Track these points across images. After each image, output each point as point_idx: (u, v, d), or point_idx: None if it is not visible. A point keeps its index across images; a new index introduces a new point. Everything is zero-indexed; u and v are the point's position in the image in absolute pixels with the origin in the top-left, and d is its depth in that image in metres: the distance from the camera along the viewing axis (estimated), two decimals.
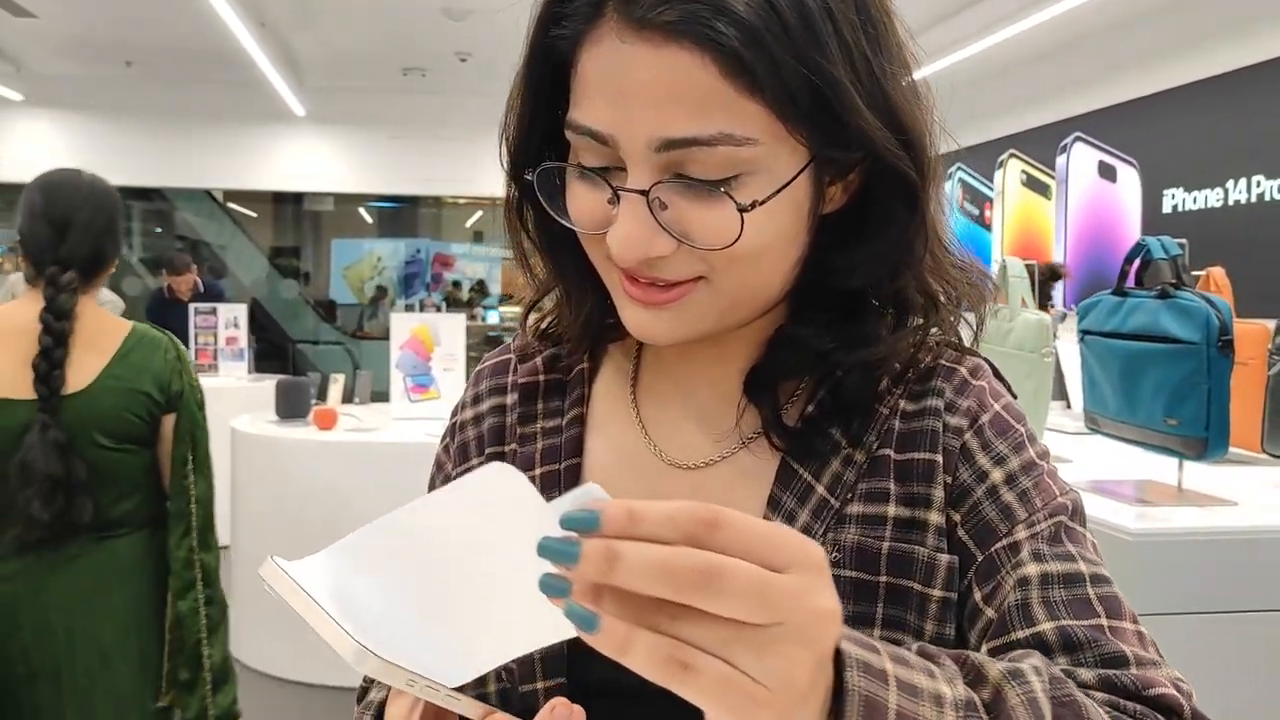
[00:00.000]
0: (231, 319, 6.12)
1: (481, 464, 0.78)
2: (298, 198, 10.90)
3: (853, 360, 0.68)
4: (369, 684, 0.81)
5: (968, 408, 0.70)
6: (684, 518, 0.41)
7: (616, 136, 0.59)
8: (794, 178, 0.60)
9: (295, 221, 11.92)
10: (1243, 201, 5.07)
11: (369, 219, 12.28)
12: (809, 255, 0.66)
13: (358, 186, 9.19)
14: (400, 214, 12.09)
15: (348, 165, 8.84)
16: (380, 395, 4.84)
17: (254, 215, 11.55)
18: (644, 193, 0.59)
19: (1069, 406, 3.42)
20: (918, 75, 0.68)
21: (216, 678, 2.03)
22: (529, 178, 0.66)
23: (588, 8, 0.60)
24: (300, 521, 3.92)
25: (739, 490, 0.71)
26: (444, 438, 0.84)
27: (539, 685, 0.70)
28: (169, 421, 2.01)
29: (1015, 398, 0.74)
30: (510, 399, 0.80)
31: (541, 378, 0.80)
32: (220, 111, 8.29)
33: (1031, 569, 0.63)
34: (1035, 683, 0.52)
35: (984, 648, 0.63)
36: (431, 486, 0.83)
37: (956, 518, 0.67)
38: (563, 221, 0.65)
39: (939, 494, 0.68)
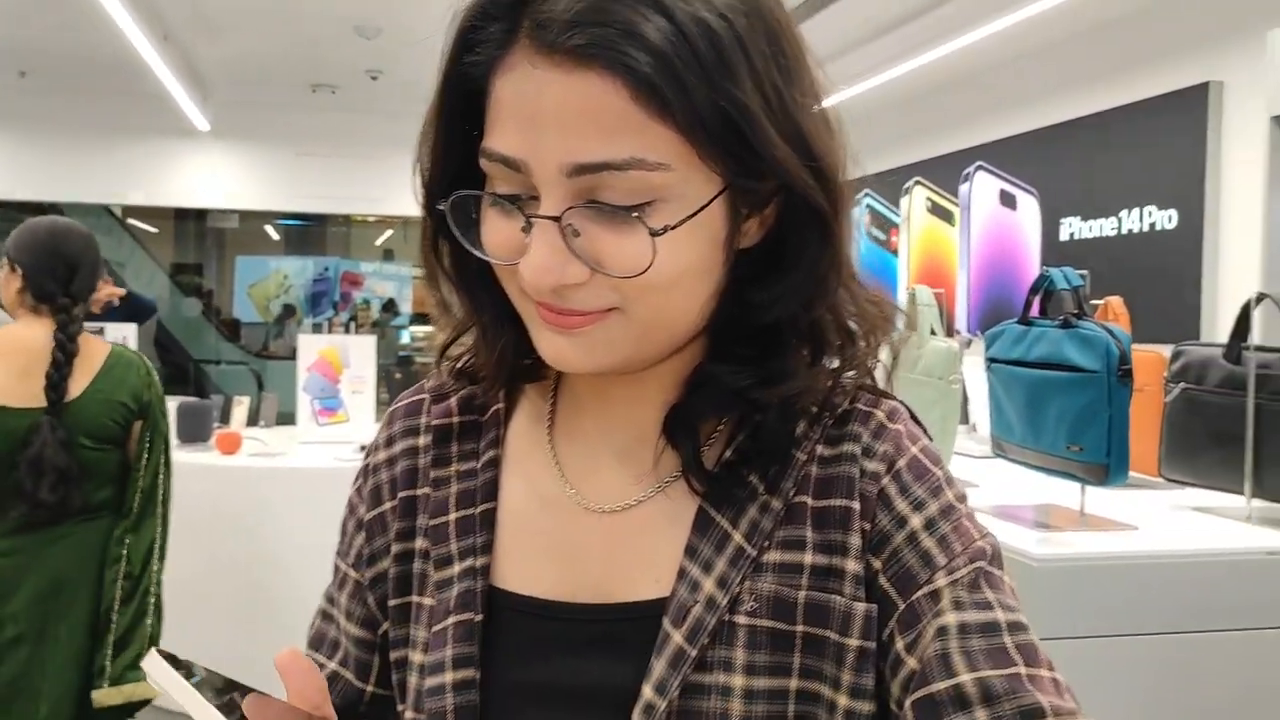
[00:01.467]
0: (120, 338, 5.92)
1: (393, 507, 0.77)
2: (201, 214, 10.63)
3: (771, 397, 0.68)
4: None
5: (884, 452, 0.70)
6: None
7: (529, 162, 0.59)
8: (707, 204, 0.60)
9: (198, 238, 11.63)
10: (1135, 230, 5.26)
11: (275, 236, 12.03)
12: (726, 290, 0.66)
13: (264, 204, 8.99)
14: (308, 232, 11.89)
15: (254, 182, 8.65)
16: (287, 418, 4.73)
17: (154, 231, 11.24)
18: (556, 219, 0.59)
19: (974, 430, 3.50)
20: (829, 103, 0.69)
21: (119, 641, 2.40)
22: (442, 208, 0.64)
23: (501, 34, 0.60)
24: (204, 549, 3.80)
25: (656, 535, 0.70)
26: (356, 479, 0.81)
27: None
28: (138, 426, 2.48)
29: (931, 440, 0.75)
30: (423, 440, 0.78)
31: (456, 419, 0.78)
32: (120, 125, 8.04)
33: (950, 618, 0.63)
34: None
35: (907, 700, 0.63)
36: (343, 532, 0.81)
37: (877, 565, 0.67)
38: (476, 253, 0.64)
39: (856, 541, 0.67)
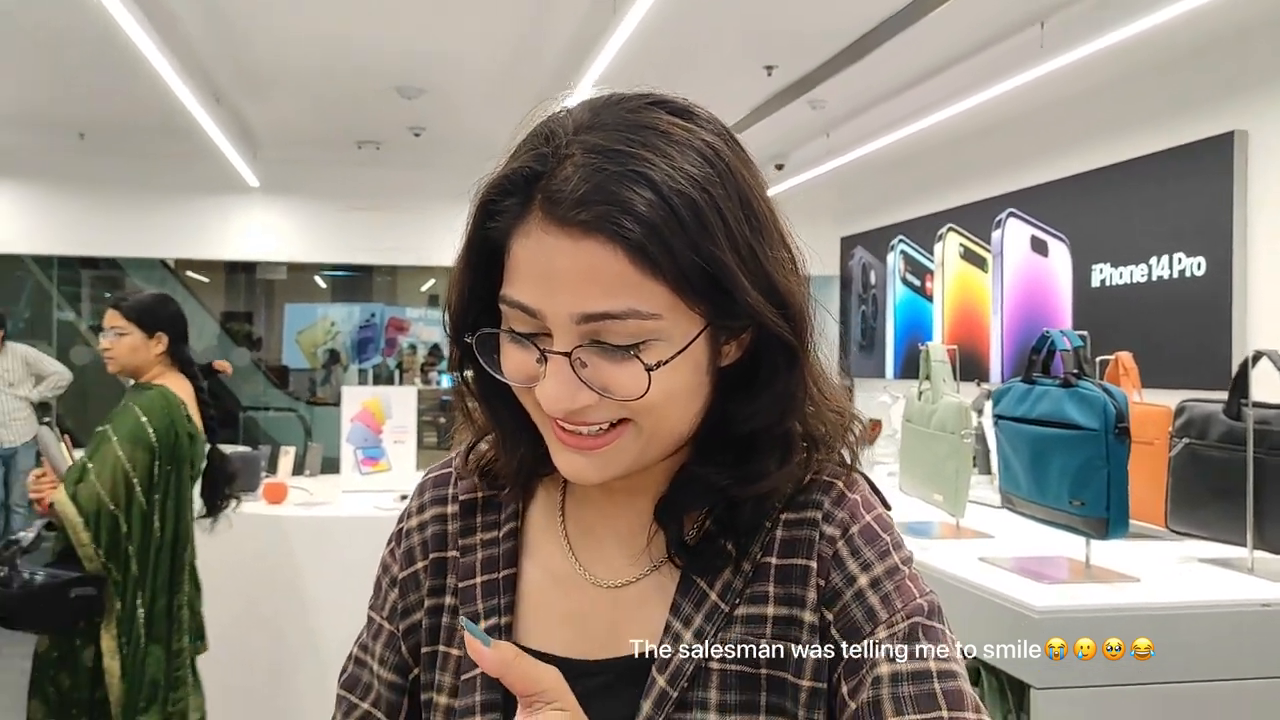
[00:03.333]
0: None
1: (424, 566, 0.88)
2: (250, 266, 10.92)
3: (746, 494, 0.79)
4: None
5: (841, 519, 0.81)
6: None
7: (543, 310, 0.71)
8: (691, 342, 0.72)
9: (248, 288, 11.91)
10: (1165, 277, 5.29)
11: (323, 285, 12.30)
12: (712, 402, 0.78)
13: (311, 256, 9.23)
14: (355, 281, 12.13)
15: (301, 235, 8.90)
16: (331, 463, 4.88)
17: (206, 281, 11.55)
18: (567, 354, 0.71)
19: (995, 481, 3.55)
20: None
21: None
22: (469, 340, 0.77)
23: (518, 206, 0.72)
24: (251, 595, 3.94)
25: (649, 605, 0.82)
26: (389, 543, 0.93)
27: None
28: None
29: (889, 509, 0.86)
30: (451, 509, 0.90)
31: (479, 495, 0.90)
32: (174, 182, 8.34)
33: (884, 668, 0.74)
34: None
35: None
36: (377, 589, 0.93)
37: (830, 617, 0.78)
38: (498, 377, 0.76)
39: (813, 595, 0.79)
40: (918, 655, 0.75)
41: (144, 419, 2.85)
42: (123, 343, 2.93)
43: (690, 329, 0.72)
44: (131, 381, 3.03)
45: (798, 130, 7.11)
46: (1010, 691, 1.99)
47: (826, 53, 5.40)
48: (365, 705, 0.89)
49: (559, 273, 0.69)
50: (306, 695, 3.78)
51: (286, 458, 4.70)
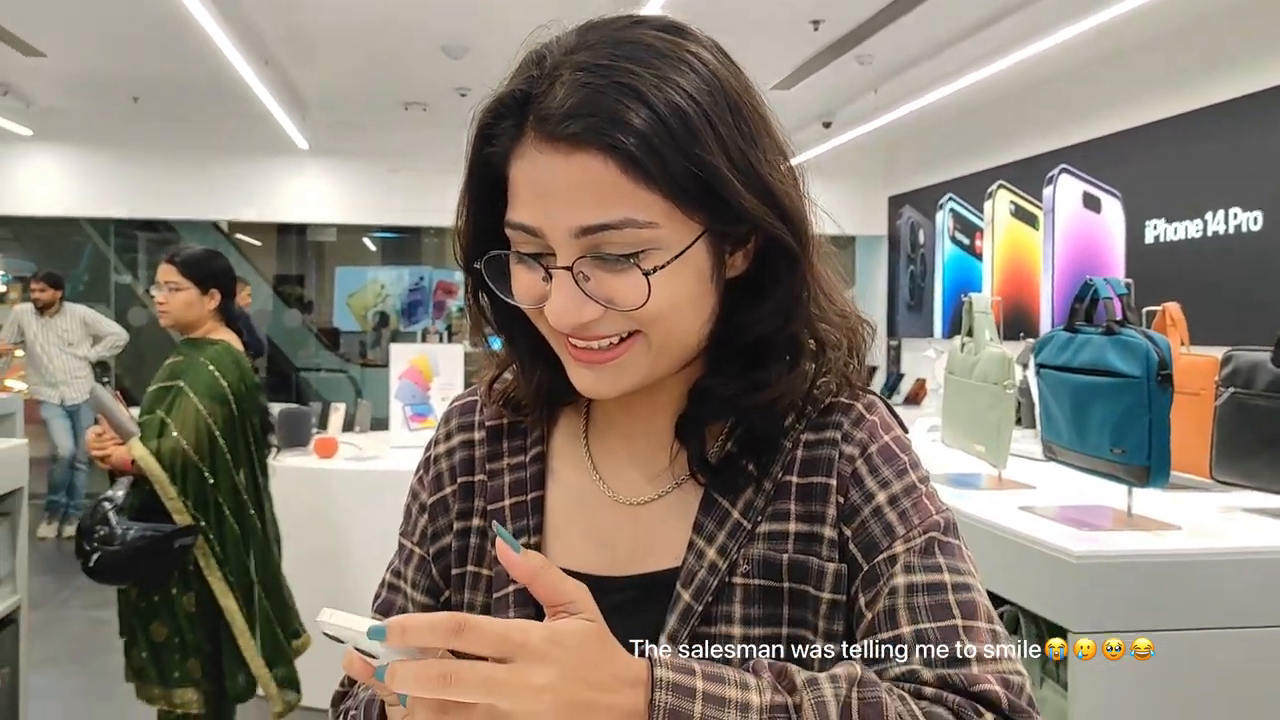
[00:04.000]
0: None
1: (453, 491, 0.91)
2: (301, 229, 11.05)
3: (755, 401, 0.81)
4: (347, 687, 0.93)
5: (860, 439, 0.83)
6: (441, 627, 0.58)
7: (543, 228, 0.73)
8: (688, 247, 0.74)
9: (299, 251, 12.07)
10: (1220, 233, 5.20)
11: (372, 247, 12.42)
12: (720, 314, 0.80)
13: (360, 217, 9.34)
14: (404, 243, 12.23)
15: (350, 197, 8.99)
16: (381, 423, 4.96)
17: (258, 244, 11.70)
18: (569, 268, 0.73)
19: (1039, 434, 3.52)
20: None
21: None
22: (478, 266, 0.79)
23: (513, 128, 0.75)
24: (300, 547, 4.03)
25: (672, 521, 0.84)
26: (418, 470, 0.96)
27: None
28: None
29: (906, 431, 0.87)
30: (478, 435, 0.93)
31: (505, 421, 0.93)
32: (225, 145, 8.46)
33: (901, 580, 0.77)
34: (827, 689, 0.66)
35: (859, 642, 0.76)
36: (407, 515, 0.96)
37: (848, 533, 0.80)
38: (508, 300, 0.79)
39: (832, 512, 0.81)
40: (933, 568, 0.77)
41: (217, 374, 2.93)
42: (177, 298, 2.98)
43: (688, 236, 0.74)
44: (181, 337, 3.10)
45: (845, 87, 7.04)
46: (1049, 637, 2.00)
47: (875, 5, 5.33)
48: None
49: (554, 188, 0.72)
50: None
51: (337, 415, 4.79)
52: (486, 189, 0.79)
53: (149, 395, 2.98)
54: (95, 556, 2.72)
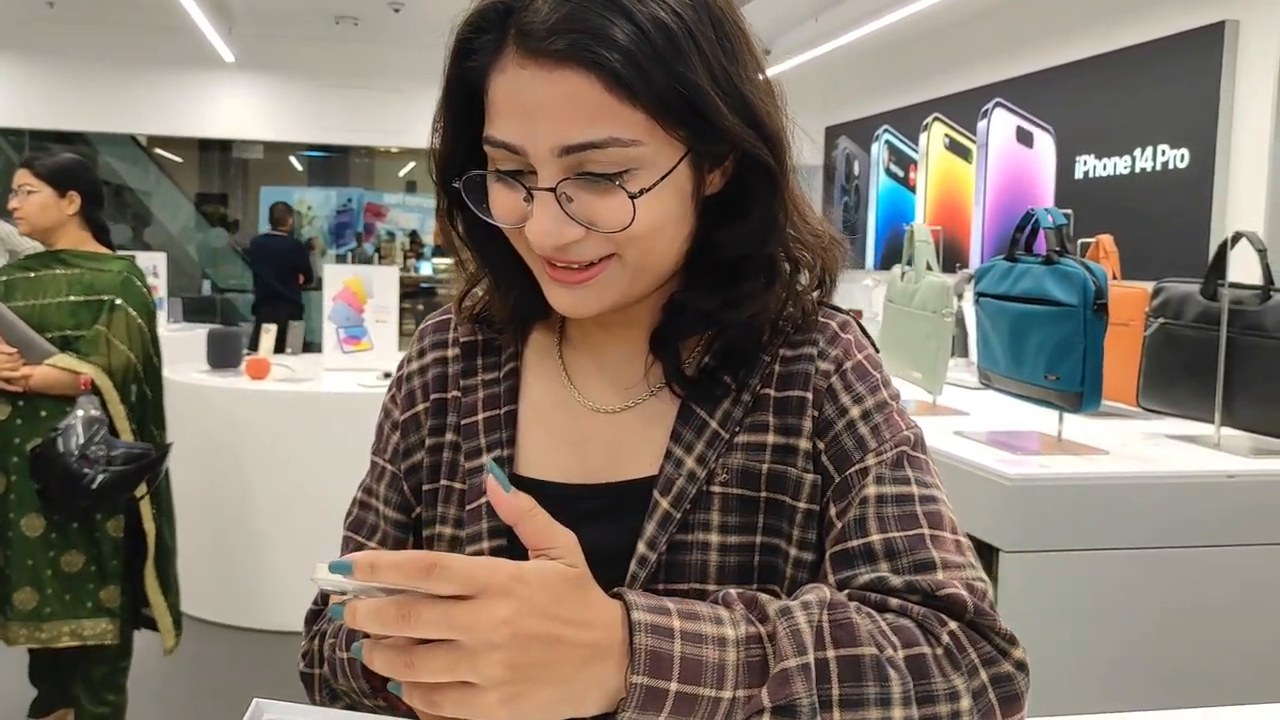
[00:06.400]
0: (150, 267, 5.95)
1: (425, 408, 0.90)
2: (225, 145, 10.75)
3: (732, 316, 0.82)
4: (320, 605, 0.93)
5: (835, 355, 0.85)
6: (408, 565, 0.58)
7: (525, 146, 0.72)
8: (673, 168, 0.73)
9: (223, 169, 11.76)
10: (1148, 169, 5.30)
11: (299, 167, 12.14)
12: (697, 232, 0.80)
13: (287, 135, 9.09)
14: (331, 163, 11.98)
15: (277, 114, 8.75)
16: (313, 346, 4.90)
17: (179, 161, 11.37)
18: (552, 190, 0.72)
19: (972, 363, 3.61)
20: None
21: None
22: (456, 185, 0.78)
23: (493, 42, 0.73)
24: (232, 470, 3.99)
25: (648, 429, 0.85)
26: (390, 389, 0.96)
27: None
28: None
29: (877, 350, 0.89)
30: (451, 353, 0.92)
31: (480, 337, 0.92)
32: (146, 56, 8.15)
33: (871, 490, 0.79)
34: (800, 616, 0.67)
35: (828, 551, 0.78)
36: (379, 433, 0.95)
37: (821, 445, 0.82)
38: (488, 220, 0.78)
39: (808, 425, 0.83)
40: (902, 480, 0.79)
41: (144, 289, 2.84)
42: (32, 200, 2.79)
43: (672, 156, 0.73)
44: (40, 246, 2.89)
45: (786, 15, 7.00)
46: (979, 556, 2.07)
47: None
48: (372, 545, 0.92)
49: (537, 105, 0.70)
50: (291, 563, 3.85)
51: (268, 336, 4.70)
52: (463, 105, 0.77)
53: (64, 308, 2.76)
54: (101, 478, 2.55)
